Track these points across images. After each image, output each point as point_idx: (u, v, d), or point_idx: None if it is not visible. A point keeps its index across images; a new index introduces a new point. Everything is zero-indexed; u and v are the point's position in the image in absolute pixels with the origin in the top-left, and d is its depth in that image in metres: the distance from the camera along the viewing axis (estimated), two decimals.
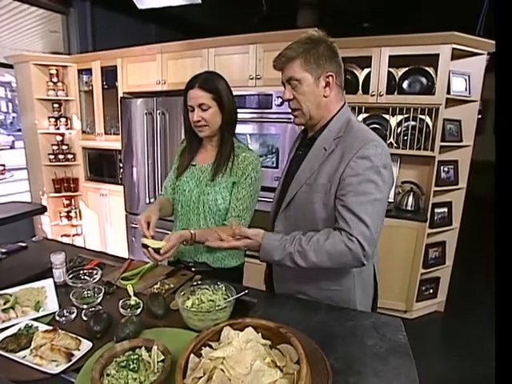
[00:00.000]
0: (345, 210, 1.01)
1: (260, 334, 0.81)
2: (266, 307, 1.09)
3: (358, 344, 0.96)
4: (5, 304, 1.05)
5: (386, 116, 2.66)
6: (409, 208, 2.68)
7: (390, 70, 2.51)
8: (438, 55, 2.32)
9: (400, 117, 2.61)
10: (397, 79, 2.56)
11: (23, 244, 1.65)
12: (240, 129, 2.71)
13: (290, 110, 1.17)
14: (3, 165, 4.20)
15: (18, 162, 5.58)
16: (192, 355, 0.74)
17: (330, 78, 1.08)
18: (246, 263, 1.34)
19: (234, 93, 2.59)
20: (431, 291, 2.83)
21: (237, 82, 2.65)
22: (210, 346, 0.78)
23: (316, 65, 1.06)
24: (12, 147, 13.86)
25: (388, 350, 0.93)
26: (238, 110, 2.72)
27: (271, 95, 2.51)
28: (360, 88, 2.65)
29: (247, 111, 2.64)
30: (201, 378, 0.68)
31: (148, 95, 3.00)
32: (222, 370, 0.69)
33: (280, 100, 2.46)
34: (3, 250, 1.55)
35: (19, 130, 11.37)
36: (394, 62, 2.47)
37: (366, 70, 2.61)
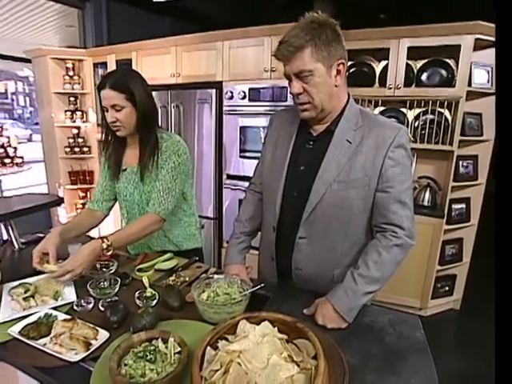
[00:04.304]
0: (392, 200, 1.04)
1: (276, 328, 0.81)
2: (281, 301, 1.09)
3: (375, 341, 0.94)
4: (25, 293, 1.07)
5: (403, 109, 2.59)
6: (425, 203, 2.62)
7: (408, 62, 2.44)
8: (459, 46, 2.25)
9: (418, 110, 2.55)
10: (415, 71, 2.50)
11: (41, 235, 1.68)
12: (253, 122, 2.72)
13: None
14: (22, 157, 4.28)
15: (36, 155, 5.70)
16: (208, 348, 0.74)
17: (342, 65, 1.01)
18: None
19: (249, 86, 2.63)
20: (447, 288, 2.77)
21: (251, 75, 2.65)
22: (227, 339, 0.78)
23: (327, 52, 0.97)
24: (29, 140, 14.16)
25: (406, 348, 0.91)
26: (252, 103, 2.72)
27: (286, 88, 2.48)
28: (377, 81, 2.59)
29: (261, 104, 2.62)
30: (217, 370, 0.68)
31: (162, 88, 3.01)
32: (239, 363, 0.68)
33: None
34: (23, 241, 1.59)
35: (36, 124, 11.62)
36: (413, 53, 2.40)
37: (384, 63, 2.55)
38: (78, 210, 3.93)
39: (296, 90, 1.02)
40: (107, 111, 1.30)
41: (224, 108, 2.78)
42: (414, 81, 2.49)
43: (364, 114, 1.09)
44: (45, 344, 0.87)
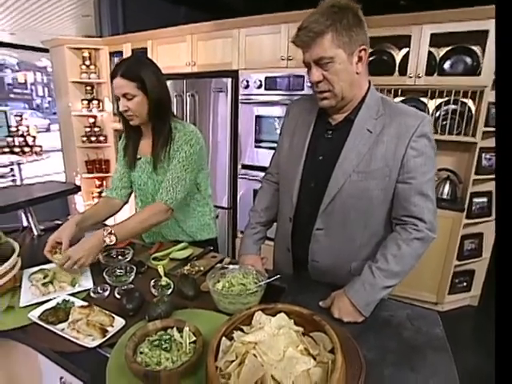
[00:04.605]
0: (413, 192, 1.00)
1: (292, 321, 0.79)
2: (297, 293, 1.07)
3: (393, 335, 0.92)
4: (44, 278, 1.09)
5: (424, 99, 2.51)
6: (444, 197, 2.55)
7: (431, 49, 2.34)
8: (487, 32, 2.14)
9: (439, 100, 2.46)
10: (437, 59, 2.40)
11: (59, 222, 1.71)
12: (269, 111, 2.69)
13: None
14: (40, 146, 4.37)
15: (54, 144, 5.83)
16: (224, 338, 0.73)
17: (363, 52, 0.97)
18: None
19: (265, 74, 2.58)
20: (465, 284, 2.71)
21: (268, 64, 2.61)
22: (242, 330, 0.77)
23: (348, 38, 0.93)
24: (48, 130, 14.45)
25: (425, 344, 0.89)
26: (268, 92, 2.68)
27: (303, 77, 2.43)
28: (396, 69, 2.50)
29: (277, 93, 2.58)
30: (233, 361, 0.68)
31: (178, 77, 2.99)
32: (255, 355, 0.68)
33: None
34: (42, 228, 1.62)
35: (54, 114, 11.85)
36: (436, 40, 2.30)
37: (404, 50, 2.46)
38: (95, 199, 4.00)
39: (315, 77, 0.98)
40: (119, 100, 1.29)
41: (240, 97, 2.75)
42: (436, 69, 2.40)
43: (385, 102, 1.05)
44: (63, 329, 0.89)
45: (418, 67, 2.35)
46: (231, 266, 1.07)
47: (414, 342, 0.89)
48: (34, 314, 0.94)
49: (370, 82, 1.07)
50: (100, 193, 4.00)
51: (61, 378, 0.91)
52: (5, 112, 4.96)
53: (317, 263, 1.14)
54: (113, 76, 1.27)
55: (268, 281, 0.98)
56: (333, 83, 0.98)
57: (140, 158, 1.44)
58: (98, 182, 4.01)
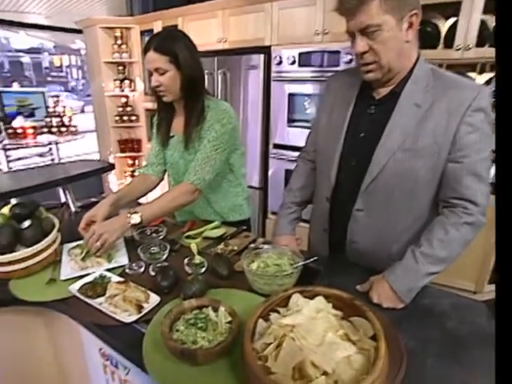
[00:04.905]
0: (465, 172, 0.91)
1: (330, 304, 0.76)
2: (333, 276, 1.03)
3: (435, 324, 0.87)
4: (81, 253, 1.11)
5: (472, 74, 2.30)
6: (491, 180, 2.37)
7: (483, 17, 2.11)
8: None
9: (490, 75, 2.25)
10: (490, 28, 2.18)
11: (95, 199, 1.76)
12: (303, 89, 2.59)
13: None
14: (75, 126, 4.55)
15: (88, 125, 6.02)
16: (260, 320, 0.72)
17: (414, 17, 0.87)
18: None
19: (299, 50, 2.47)
20: None
21: (301, 39, 2.49)
22: (278, 312, 0.75)
23: (398, 1, 0.84)
24: (82, 111, 14.92)
25: (470, 336, 0.83)
26: (302, 69, 2.56)
27: (339, 52, 2.30)
28: (441, 41, 2.30)
29: (311, 69, 2.47)
30: (270, 344, 0.66)
31: (209, 55, 2.93)
32: (293, 338, 0.65)
33: (349, 57, 2.24)
34: (79, 204, 1.67)
35: (88, 96, 12.19)
36: (490, 6, 2.06)
37: (451, 20, 2.25)
38: (128, 178, 4.10)
39: (360, 48, 0.90)
40: (152, 75, 1.27)
41: (272, 74, 2.65)
42: (488, 40, 2.18)
43: (436, 73, 0.96)
44: (101, 303, 0.91)
45: (467, 38, 2.15)
46: (266, 246, 1.04)
47: (458, 333, 0.84)
48: (74, 287, 0.97)
49: (418, 53, 0.98)
50: (133, 172, 4.10)
51: (100, 349, 0.94)
52: (43, 93, 5.15)
53: (356, 244, 1.09)
54: (145, 50, 1.24)
55: (305, 262, 0.94)
56: (379, 54, 0.90)
57: (173, 137, 1.42)
58: (130, 162, 4.10)
